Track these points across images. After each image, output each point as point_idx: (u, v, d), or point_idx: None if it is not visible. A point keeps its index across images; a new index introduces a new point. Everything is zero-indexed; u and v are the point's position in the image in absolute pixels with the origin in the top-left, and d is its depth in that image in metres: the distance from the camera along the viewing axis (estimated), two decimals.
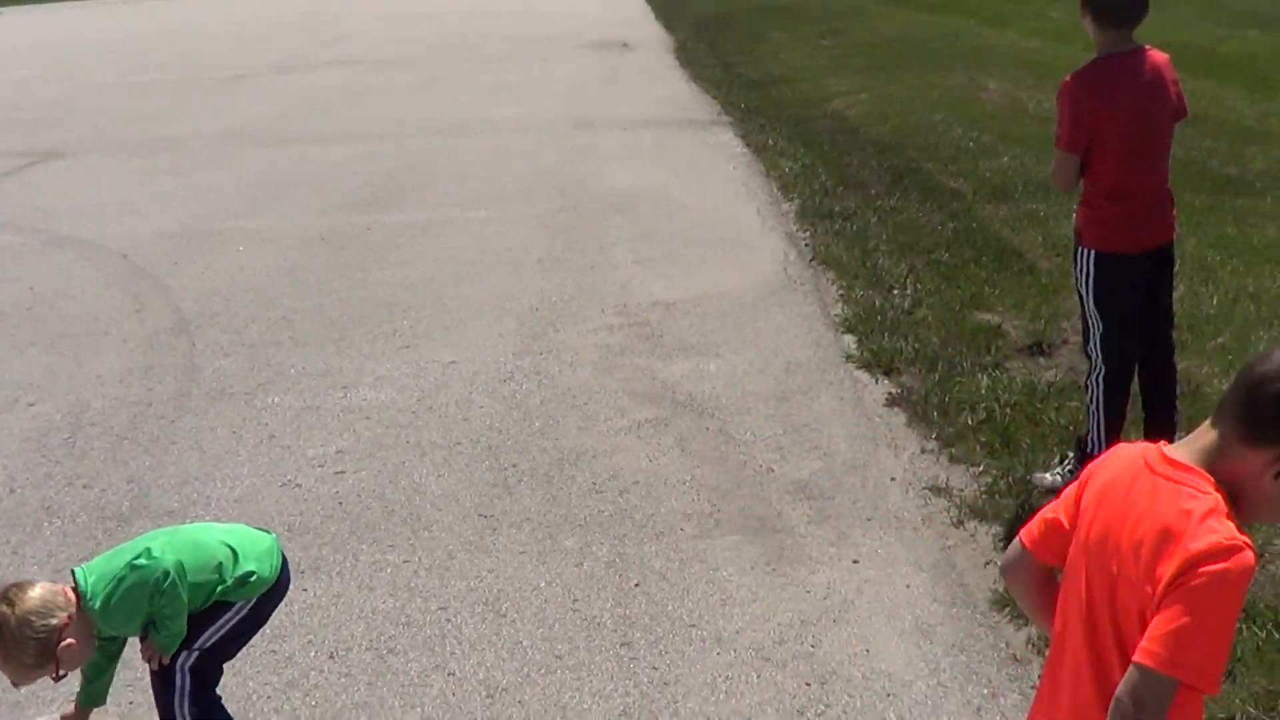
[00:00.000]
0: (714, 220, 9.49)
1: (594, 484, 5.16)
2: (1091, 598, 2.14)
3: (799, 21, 27.71)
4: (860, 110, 14.01)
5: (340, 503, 5.09)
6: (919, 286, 7.46)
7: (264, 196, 11.14)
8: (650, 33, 28.15)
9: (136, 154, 13.91)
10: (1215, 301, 6.80)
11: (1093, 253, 4.57)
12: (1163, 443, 2.18)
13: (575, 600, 4.29)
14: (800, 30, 25.48)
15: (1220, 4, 30.67)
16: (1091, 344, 4.69)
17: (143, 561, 3.17)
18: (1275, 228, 8.38)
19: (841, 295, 7.51)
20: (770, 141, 12.39)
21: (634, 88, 17.87)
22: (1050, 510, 2.31)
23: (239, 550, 3.31)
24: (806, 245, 8.63)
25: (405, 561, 4.60)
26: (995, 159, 10.85)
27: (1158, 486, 2.06)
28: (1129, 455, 2.20)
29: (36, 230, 10.29)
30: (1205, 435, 2.09)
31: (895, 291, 7.41)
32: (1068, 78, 4.50)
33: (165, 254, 9.19)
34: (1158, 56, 4.51)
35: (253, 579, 3.29)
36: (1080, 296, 4.68)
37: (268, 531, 3.50)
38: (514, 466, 5.35)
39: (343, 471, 5.37)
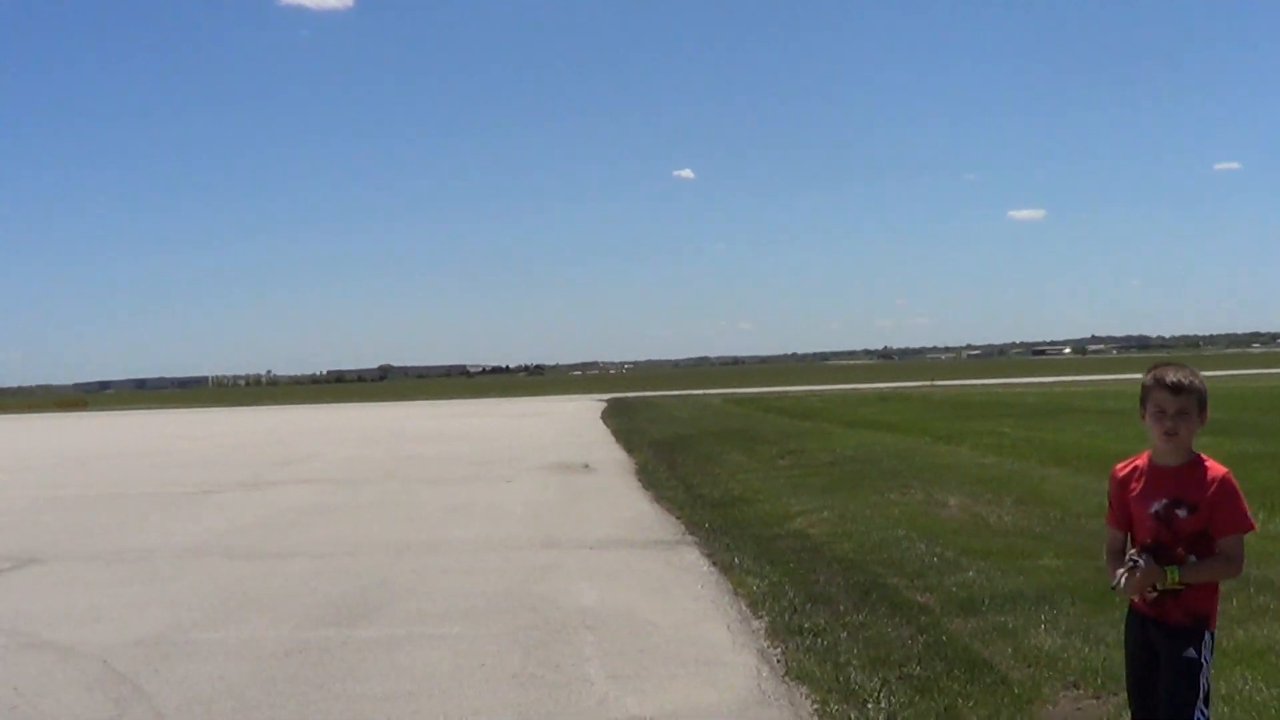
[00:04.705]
0: (685, 638, 9.56)
1: None
2: None
3: (755, 443, 28.51)
4: (823, 529, 14.33)
5: None
6: (893, 700, 7.50)
7: (237, 608, 11.17)
8: (611, 455, 28.84)
9: (109, 563, 14.11)
10: None
11: (1211, 635, 4.92)
12: None
13: None
14: (757, 451, 26.20)
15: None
16: None
17: None
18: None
19: (817, 710, 7.53)
20: (736, 560, 12.60)
21: (597, 508, 18.23)
22: None
23: None
24: (779, 661, 8.70)
25: None
26: (960, 573, 11.09)
27: None
28: None
29: (16, 633, 10.34)
30: None
31: (870, 705, 7.45)
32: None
33: (144, 660, 9.16)
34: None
35: None
36: (1202, 688, 4.89)
37: None
38: None
39: None
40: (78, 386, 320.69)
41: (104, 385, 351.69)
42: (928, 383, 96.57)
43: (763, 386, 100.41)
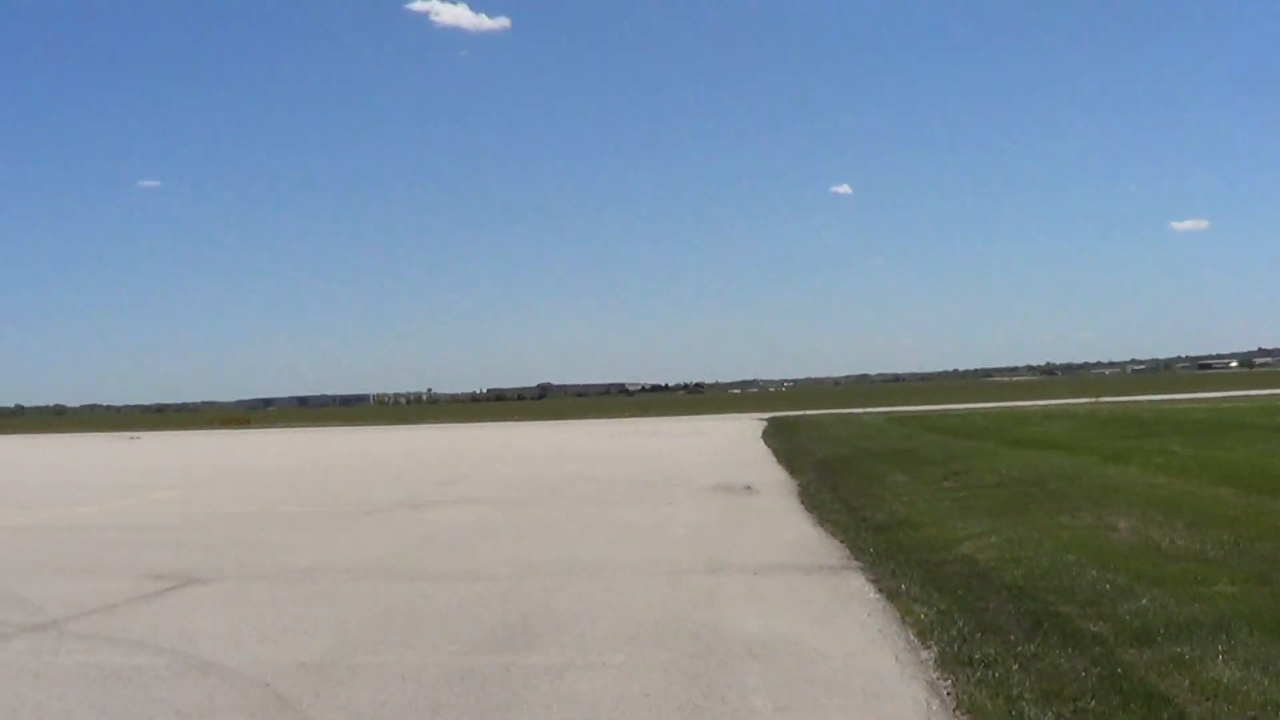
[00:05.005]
0: (852, 668, 9.35)
1: None
2: None
3: (919, 464, 28.04)
4: (991, 554, 13.95)
5: None
6: None
7: (399, 631, 11.23)
8: (772, 476, 28.65)
9: (272, 582, 14.33)
10: None
11: None
12: None
13: None
14: (921, 472, 25.75)
15: None
16: None
17: None
18: None
19: None
20: (903, 587, 12.32)
21: (760, 531, 18.06)
22: None
23: None
24: (949, 694, 8.45)
25: None
26: (1134, 600, 10.70)
27: None
28: None
29: (179, 654, 10.48)
30: None
31: None
32: None
33: (306, 684, 9.24)
34: None
35: None
36: None
37: None
38: None
39: None
40: (241, 403, 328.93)
41: (267, 402, 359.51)
42: (1092, 399, 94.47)
43: (924, 404, 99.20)
